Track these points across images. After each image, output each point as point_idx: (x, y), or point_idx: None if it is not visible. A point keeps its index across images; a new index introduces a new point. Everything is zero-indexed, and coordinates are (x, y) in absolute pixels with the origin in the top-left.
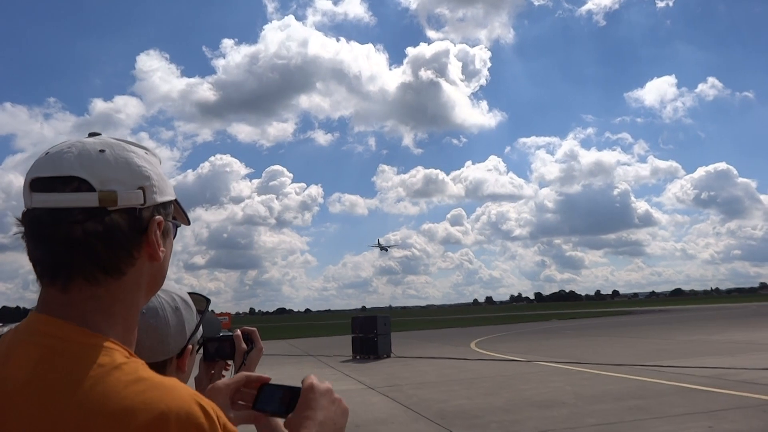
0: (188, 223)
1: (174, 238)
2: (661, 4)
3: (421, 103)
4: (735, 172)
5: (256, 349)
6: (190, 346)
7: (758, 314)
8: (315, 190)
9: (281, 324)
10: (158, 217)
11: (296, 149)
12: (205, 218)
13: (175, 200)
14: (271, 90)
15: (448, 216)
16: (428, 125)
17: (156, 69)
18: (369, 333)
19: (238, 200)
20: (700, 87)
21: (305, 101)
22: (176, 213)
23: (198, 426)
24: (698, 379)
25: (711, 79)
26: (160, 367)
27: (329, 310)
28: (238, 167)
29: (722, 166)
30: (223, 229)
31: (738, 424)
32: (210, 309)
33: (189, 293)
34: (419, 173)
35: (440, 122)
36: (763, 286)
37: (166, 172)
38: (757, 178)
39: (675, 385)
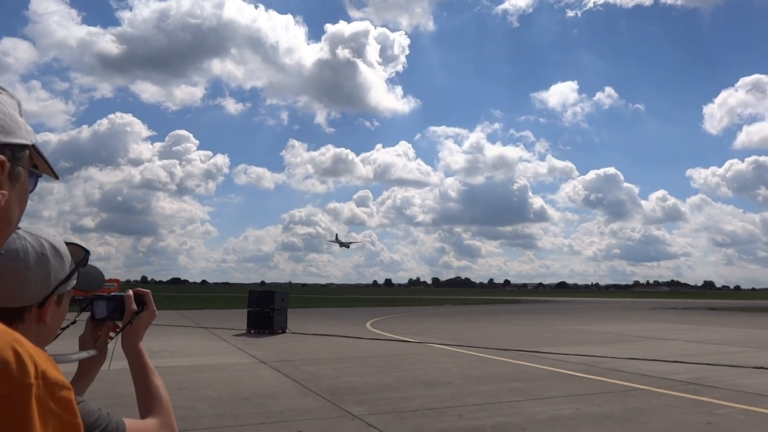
0: (55, 176)
1: (33, 189)
2: (570, 14)
3: (337, 82)
4: (621, 177)
5: (148, 312)
6: (54, 297)
7: (630, 309)
8: (221, 160)
9: (175, 294)
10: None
11: (204, 115)
12: (98, 178)
13: (33, 147)
14: (180, 50)
15: (355, 197)
16: (342, 105)
17: (53, 12)
18: (265, 308)
19: (136, 163)
20: (598, 95)
21: (217, 66)
22: (37, 162)
23: (5, 369)
24: (572, 365)
25: (608, 89)
26: (16, 314)
27: (227, 283)
28: (140, 128)
29: (611, 170)
30: (118, 192)
31: (601, 407)
32: (101, 272)
33: (67, 243)
34: (329, 152)
35: (355, 103)
36: (636, 283)
37: (56, 126)
38: (640, 184)
39: (552, 370)
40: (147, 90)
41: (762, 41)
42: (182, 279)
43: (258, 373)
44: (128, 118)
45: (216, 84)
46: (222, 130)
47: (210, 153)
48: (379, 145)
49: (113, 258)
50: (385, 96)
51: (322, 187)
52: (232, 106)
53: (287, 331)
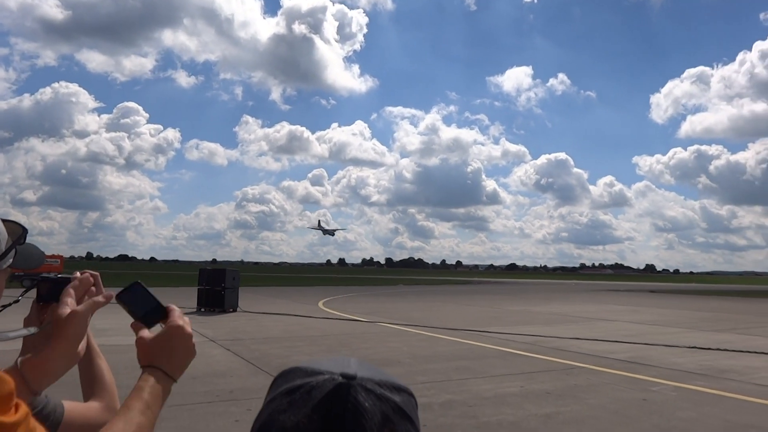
0: None
1: None
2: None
3: (293, 58)
4: (571, 162)
5: (102, 297)
6: None
7: (575, 291)
8: (172, 134)
9: (122, 271)
10: None
11: (154, 88)
12: (40, 150)
13: None
14: (130, 18)
15: (310, 175)
16: (298, 82)
17: None
18: (216, 286)
19: (82, 135)
20: (552, 81)
21: (169, 37)
22: None
23: None
24: (518, 344)
25: (561, 75)
26: None
27: (177, 261)
28: (86, 99)
29: (562, 155)
30: (62, 165)
31: (544, 384)
32: (41, 251)
33: (3, 220)
34: (284, 129)
35: (311, 80)
36: (582, 266)
37: None
38: (589, 169)
39: (498, 349)
40: (94, 59)
41: (707, 35)
42: (130, 256)
43: (208, 351)
44: (74, 87)
45: (167, 55)
46: (173, 103)
47: (160, 127)
48: (335, 124)
49: (56, 233)
50: (342, 74)
51: (277, 165)
52: (184, 79)
53: (238, 309)
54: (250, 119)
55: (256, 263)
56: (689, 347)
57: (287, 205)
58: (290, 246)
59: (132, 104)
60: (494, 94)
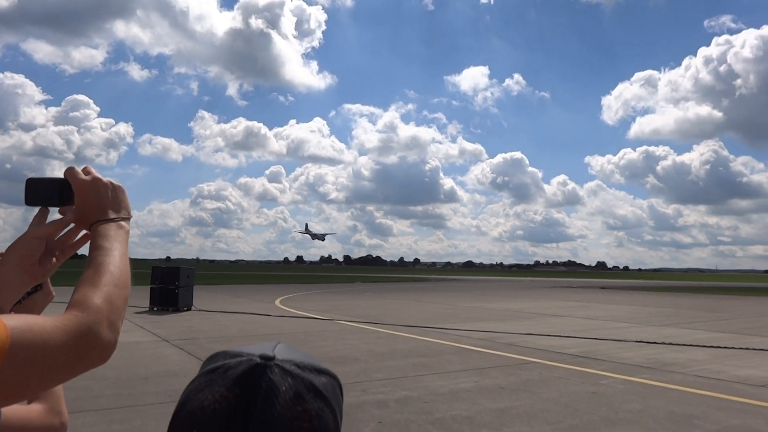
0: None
1: None
2: (483, 0)
3: (250, 53)
4: (527, 161)
5: (43, 293)
6: None
7: (530, 287)
8: (124, 129)
9: (73, 270)
10: None
11: (105, 81)
12: None
13: None
14: (80, 8)
15: (267, 172)
16: (256, 77)
17: None
18: (170, 284)
19: (28, 128)
20: (507, 81)
21: (121, 29)
22: None
23: None
24: (474, 341)
25: (517, 76)
26: None
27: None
28: (32, 91)
29: (517, 154)
30: (6, 159)
31: (498, 380)
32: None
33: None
34: (241, 125)
35: (269, 76)
36: (537, 263)
37: None
38: (543, 168)
39: (454, 346)
40: (41, 49)
41: (655, 40)
42: (79, 254)
43: (160, 351)
44: (19, 79)
45: (119, 48)
46: (125, 97)
47: (112, 121)
48: (293, 121)
49: (0, 230)
50: (300, 71)
51: (233, 161)
52: (136, 73)
53: (193, 308)
54: (206, 114)
55: (212, 261)
56: (637, 341)
57: (244, 202)
58: (247, 243)
59: (82, 97)
60: (452, 93)
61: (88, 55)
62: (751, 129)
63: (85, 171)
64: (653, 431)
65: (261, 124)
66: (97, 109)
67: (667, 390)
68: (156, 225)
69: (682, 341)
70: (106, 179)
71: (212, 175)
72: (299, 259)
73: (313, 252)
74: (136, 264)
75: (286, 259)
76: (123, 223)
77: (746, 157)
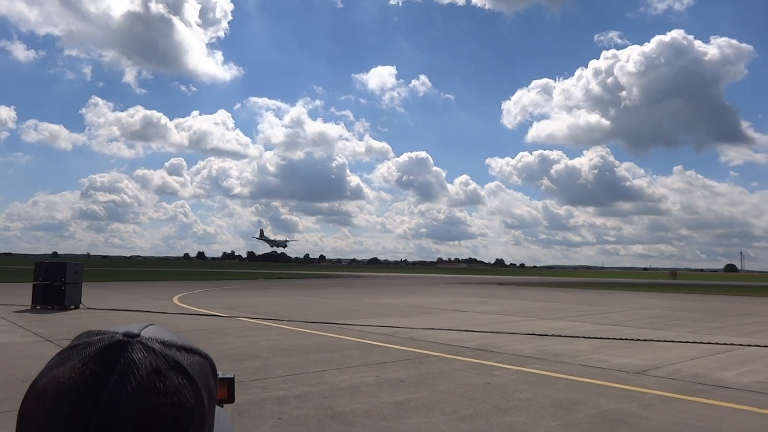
0: None
1: None
2: (392, 1)
3: (150, 39)
4: (431, 161)
5: None
6: None
7: (432, 284)
8: (6, 113)
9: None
10: None
11: None
12: None
13: None
14: None
15: (167, 164)
16: (155, 65)
17: None
18: (56, 281)
19: None
20: (414, 82)
21: (4, 4)
22: None
23: None
24: (376, 336)
25: (423, 77)
26: None
27: (10, 254)
28: None
29: (422, 154)
30: None
31: (399, 373)
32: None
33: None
34: (139, 114)
35: (170, 64)
36: (439, 260)
37: None
38: (447, 168)
39: (357, 341)
40: None
41: (552, 50)
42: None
43: (42, 352)
44: None
45: (1, 25)
46: (7, 78)
47: None
48: (195, 112)
49: None
50: (204, 60)
51: (130, 152)
52: (21, 53)
53: (81, 306)
54: (100, 101)
55: (105, 257)
56: (529, 334)
57: (141, 196)
58: (144, 239)
59: None
60: (359, 91)
61: None
62: (633, 137)
63: None
64: (541, 417)
65: (161, 114)
66: None
67: (555, 379)
68: (41, 218)
69: (570, 333)
70: None
71: (106, 165)
72: (200, 255)
73: (215, 248)
74: (18, 260)
75: (186, 255)
76: None
77: (629, 163)
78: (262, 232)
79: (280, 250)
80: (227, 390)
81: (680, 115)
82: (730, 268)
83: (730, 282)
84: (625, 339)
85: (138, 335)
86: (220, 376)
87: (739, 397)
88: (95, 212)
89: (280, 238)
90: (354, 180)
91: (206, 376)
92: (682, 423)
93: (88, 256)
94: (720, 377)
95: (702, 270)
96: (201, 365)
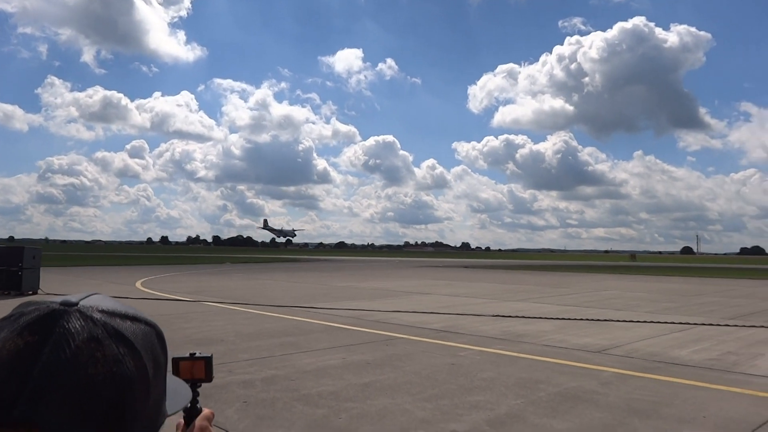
0: None
1: None
2: None
3: (109, 17)
4: (398, 144)
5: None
6: None
7: (399, 267)
8: None
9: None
10: None
11: None
12: None
13: None
14: None
15: (128, 147)
16: (115, 44)
17: None
18: (12, 266)
19: None
20: (381, 66)
21: None
22: None
23: None
24: (342, 319)
25: (390, 61)
26: None
27: None
28: None
29: (389, 138)
30: None
31: (365, 355)
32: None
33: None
34: (98, 94)
35: (130, 44)
36: (406, 244)
37: None
38: (414, 152)
39: (323, 324)
40: None
41: (517, 35)
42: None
43: None
44: None
45: None
46: None
47: None
48: (157, 93)
49: None
50: (166, 40)
51: (89, 134)
52: None
53: (39, 291)
54: (57, 81)
55: (64, 242)
56: (493, 316)
57: (102, 179)
58: (105, 223)
59: None
60: (326, 74)
61: None
62: (596, 123)
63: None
64: (504, 396)
65: (121, 95)
66: None
67: (518, 359)
68: None
69: (533, 314)
70: None
71: (64, 147)
72: (164, 239)
73: (180, 232)
74: None
75: (149, 239)
76: None
77: (591, 148)
78: (266, 222)
79: (246, 233)
80: (205, 369)
81: (641, 102)
82: (687, 250)
83: (686, 264)
84: (586, 319)
85: (76, 304)
86: (197, 355)
87: (691, 373)
88: (53, 196)
89: (287, 228)
90: (321, 164)
91: (151, 345)
92: (638, 399)
93: (46, 240)
94: (675, 355)
95: (660, 252)
96: (145, 333)
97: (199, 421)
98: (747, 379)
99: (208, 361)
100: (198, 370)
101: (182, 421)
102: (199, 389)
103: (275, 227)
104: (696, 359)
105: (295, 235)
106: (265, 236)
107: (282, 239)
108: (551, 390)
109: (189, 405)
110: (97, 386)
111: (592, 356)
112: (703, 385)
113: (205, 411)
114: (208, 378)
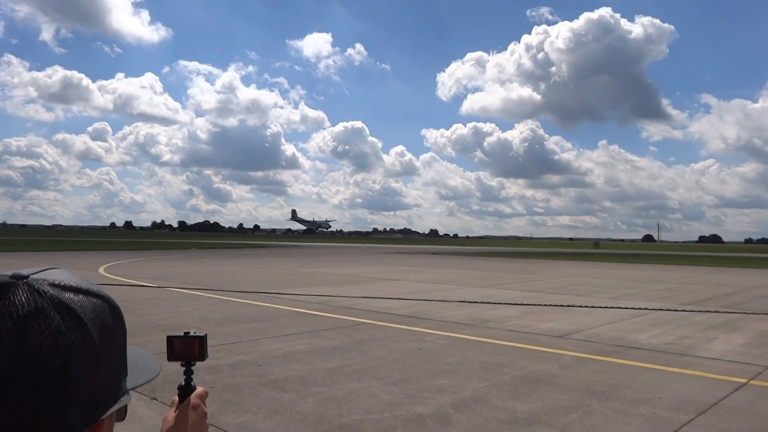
0: None
1: None
2: None
3: None
4: (367, 131)
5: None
6: None
7: (367, 253)
8: None
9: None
10: None
11: None
12: None
13: None
14: None
15: (90, 129)
16: (76, 23)
17: None
18: None
19: None
20: (350, 51)
21: None
22: None
23: None
24: (310, 305)
25: (359, 46)
26: None
27: None
28: None
29: (358, 124)
30: None
31: (332, 341)
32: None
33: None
34: (58, 74)
35: (92, 23)
36: (375, 230)
37: None
38: (383, 139)
39: (290, 310)
40: None
41: (487, 24)
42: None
43: None
44: None
45: None
46: None
47: None
48: (120, 74)
49: None
50: (129, 20)
51: (49, 115)
52: None
53: None
54: (14, 59)
55: (23, 226)
56: (460, 302)
57: (62, 162)
58: (66, 207)
59: None
60: (294, 59)
61: None
62: (562, 112)
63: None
64: (468, 379)
65: (83, 75)
66: None
67: (483, 343)
68: None
69: (498, 300)
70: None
71: (22, 129)
72: (128, 224)
73: (144, 217)
74: None
75: (113, 224)
76: None
77: (557, 137)
78: (294, 212)
79: (213, 219)
80: (199, 348)
81: (606, 91)
82: (648, 238)
83: (647, 251)
84: (550, 305)
85: (26, 277)
86: (191, 334)
87: (649, 357)
88: (11, 178)
89: (318, 219)
90: (289, 149)
91: (104, 320)
92: (597, 381)
93: (4, 225)
94: (634, 339)
95: (623, 240)
96: (96, 306)
97: (193, 399)
98: (701, 362)
99: (202, 340)
100: (192, 349)
101: (176, 398)
102: (193, 368)
103: (306, 219)
104: (654, 343)
105: (329, 226)
106: (234, 222)
107: (316, 231)
108: (514, 373)
109: (183, 383)
110: (40, 358)
111: (555, 341)
112: (659, 367)
113: (199, 389)
114: (202, 357)
